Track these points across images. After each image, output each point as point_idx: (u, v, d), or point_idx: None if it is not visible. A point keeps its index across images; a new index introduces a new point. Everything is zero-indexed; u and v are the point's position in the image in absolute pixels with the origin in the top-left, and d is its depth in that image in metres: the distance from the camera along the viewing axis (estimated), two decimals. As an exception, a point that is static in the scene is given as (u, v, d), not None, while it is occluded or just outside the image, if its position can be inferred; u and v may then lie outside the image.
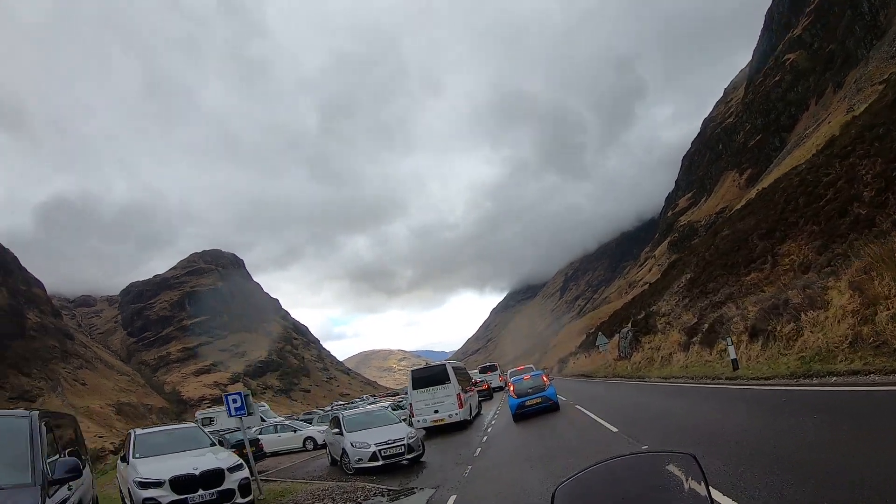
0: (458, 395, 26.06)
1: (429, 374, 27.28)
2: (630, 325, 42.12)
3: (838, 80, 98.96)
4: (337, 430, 19.35)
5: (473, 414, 29.91)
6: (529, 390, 23.91)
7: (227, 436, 23.78)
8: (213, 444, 14.25)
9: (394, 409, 30.21)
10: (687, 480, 2.12)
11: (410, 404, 26.92)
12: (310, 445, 30.74)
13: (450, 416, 25.71)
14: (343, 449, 17.89)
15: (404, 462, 17.45)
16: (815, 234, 26.61)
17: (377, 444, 17.09)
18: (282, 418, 55.98)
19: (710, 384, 20.05)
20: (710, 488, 2.12)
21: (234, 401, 16.12)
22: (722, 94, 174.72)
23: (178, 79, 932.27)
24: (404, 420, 22.44)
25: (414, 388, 26.79)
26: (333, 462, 20.17)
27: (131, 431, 14.66)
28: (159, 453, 12.96)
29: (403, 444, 17.24)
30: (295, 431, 32.69)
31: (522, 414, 23.45)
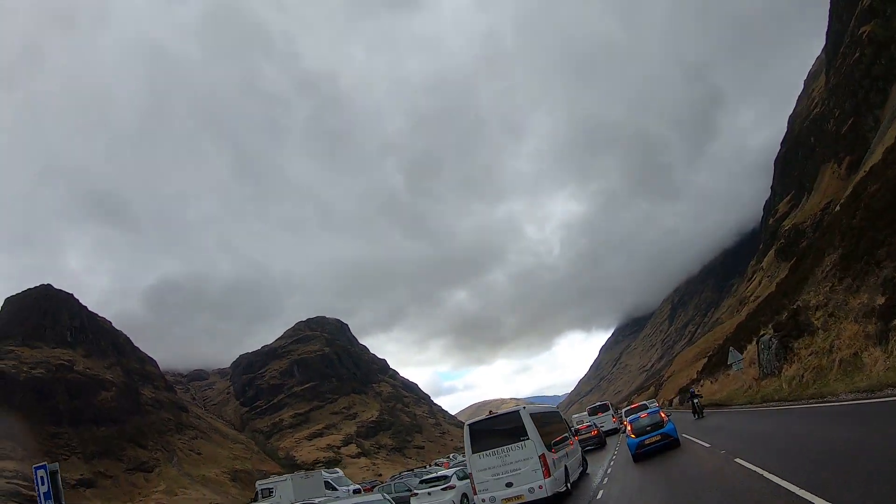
0: (543, 456, 16.42)
1: (494, 428, 17.67)
2: (771, 329, 30.57)
3: None
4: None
5: (574, 478, 19.72)
6: (648, 428, 21.77)
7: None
8: None
9: (460, 478, 20.69)
10: None
11: (470, 475, 17.47)
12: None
13: (531, 490, 16.15)
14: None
15: None
16: None
17: None
18: (357, 485, 47.90)
19: None
20: None
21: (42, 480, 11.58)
22: (803, 87, 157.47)
23: (267, 159, 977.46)
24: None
25: (474, 451, 17.26)
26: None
27: None
28: None
29: None
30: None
31: (643, 454, 21.06)
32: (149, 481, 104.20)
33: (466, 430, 17.85)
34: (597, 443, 37.18)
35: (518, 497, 16.15)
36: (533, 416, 17.37)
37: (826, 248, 34.05)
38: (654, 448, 21.12)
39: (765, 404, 25.51)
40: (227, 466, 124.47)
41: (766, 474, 10.18)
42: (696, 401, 34.57)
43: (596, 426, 40.90)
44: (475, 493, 16.92)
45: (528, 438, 16.46)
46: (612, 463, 23.91)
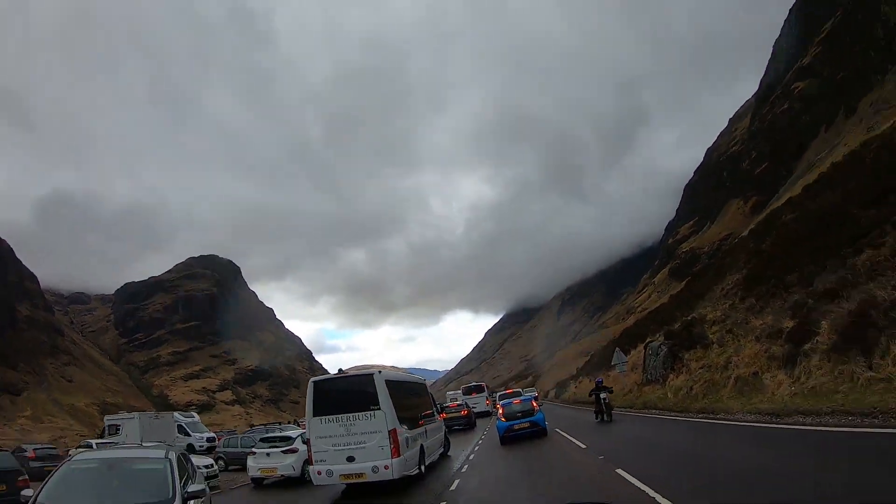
0: (394, 432, 13.82)
1: (343, 389, 14.87)
2: (662, 337, 29.76)
3: (852, 106, 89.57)
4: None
5: (432, 459, 17.48)
6: (518, 414, 22.43)
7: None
8: None
9: (304, 442, 18.02)
10: None
11: (308, 440, 14.66)
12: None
13: (374, 469, 13.55)
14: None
15: None
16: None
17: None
18: (214, 433, 44.73)
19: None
20: None
21: None
22: (727, 124, 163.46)
23: (185, 85, 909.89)
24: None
25: (315, 414, 14.45)
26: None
27: None
28: None
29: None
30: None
31: (510, 437, 21.76)
32: (15, 404, 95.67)
33: (310, 387, 14.83)
34: (466, 424, 35.08)
35: (359, 475, 13.62)
36: (390, 383, 14.76)
37: (729, 268, 33.90)
38: (522, 434, 21.66)
39: (647, 410, 24.51)
40: (98, 398, 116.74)
41: (659, 498, 8.37)
42: (604, 396, 24.42)
43: (468, 406, 39.11)
44: (311, 463, 14.23)
45: (379, 408, 13.85)
46: (476, 448, 22.02)
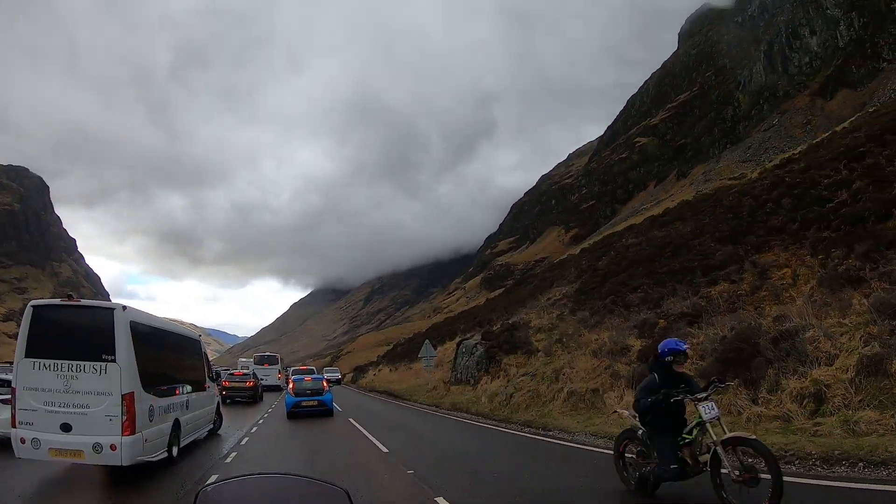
0: (130, 397, 9.07)
1: (69, 324, 9.55)
2: (480, 336, 27.08)
3: (684, 171, 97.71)
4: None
5: (190, 439, 12.76)
6: (308, 391, 22.35)
7: None
8: None
9: None
10: None
11: (14, 389, 9.14)
12: None
13: (96, 447, 8.74)
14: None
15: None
16: (824, 241, 15.28)
17: None
18: None
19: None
20: None
21: None
22: (566, 158, 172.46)
23: None
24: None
25: (27, 355, 9.10)
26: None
27: None
28: None
29: None
30: None
31: (297, 413, 21.45)
32: None
33: (28, 313, 9.52)
34: (250, 397, 30.22)
35: (75, 452, 8.89)
36: (139, 328, 10.03)
37: (556, 279, 32.38)
38: (310, 411, 21.72)
39: (456, 412, 21.01)
40: None
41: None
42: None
43: (255, 377, 33.59)
44: (14, 425, 8.99)
45: (114, 360, 9.07)
46: (254, 430, 17.21)
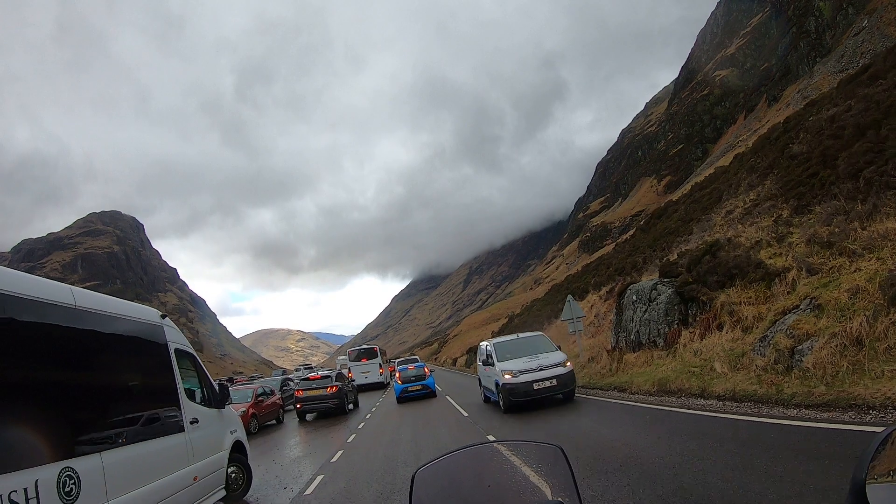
0: None
1: None
2: (658, 277, 19.62)
3: (775, 94, 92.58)
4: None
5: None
6: (413, 378, 25.50)
7: None
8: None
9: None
10: (554, 472, 2.03)
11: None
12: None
13: None
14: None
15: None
16: None
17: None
18: None
19: None
20: (577, 481, 1.94)
21: None
22: (643, 108, 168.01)
23: (90, 23, 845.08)
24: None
25: None
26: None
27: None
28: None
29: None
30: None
31: (405, 398, 24.72)
32: None
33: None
34: (335, 406, 23.17)
35: None
36: None
37: (723, 192, 29.92)
38: (416, 395, 25.05)
39: (672, 399, 12.41)
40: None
41: None
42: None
43: (342, 378, 25.34)
44: None
45: None
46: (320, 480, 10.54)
